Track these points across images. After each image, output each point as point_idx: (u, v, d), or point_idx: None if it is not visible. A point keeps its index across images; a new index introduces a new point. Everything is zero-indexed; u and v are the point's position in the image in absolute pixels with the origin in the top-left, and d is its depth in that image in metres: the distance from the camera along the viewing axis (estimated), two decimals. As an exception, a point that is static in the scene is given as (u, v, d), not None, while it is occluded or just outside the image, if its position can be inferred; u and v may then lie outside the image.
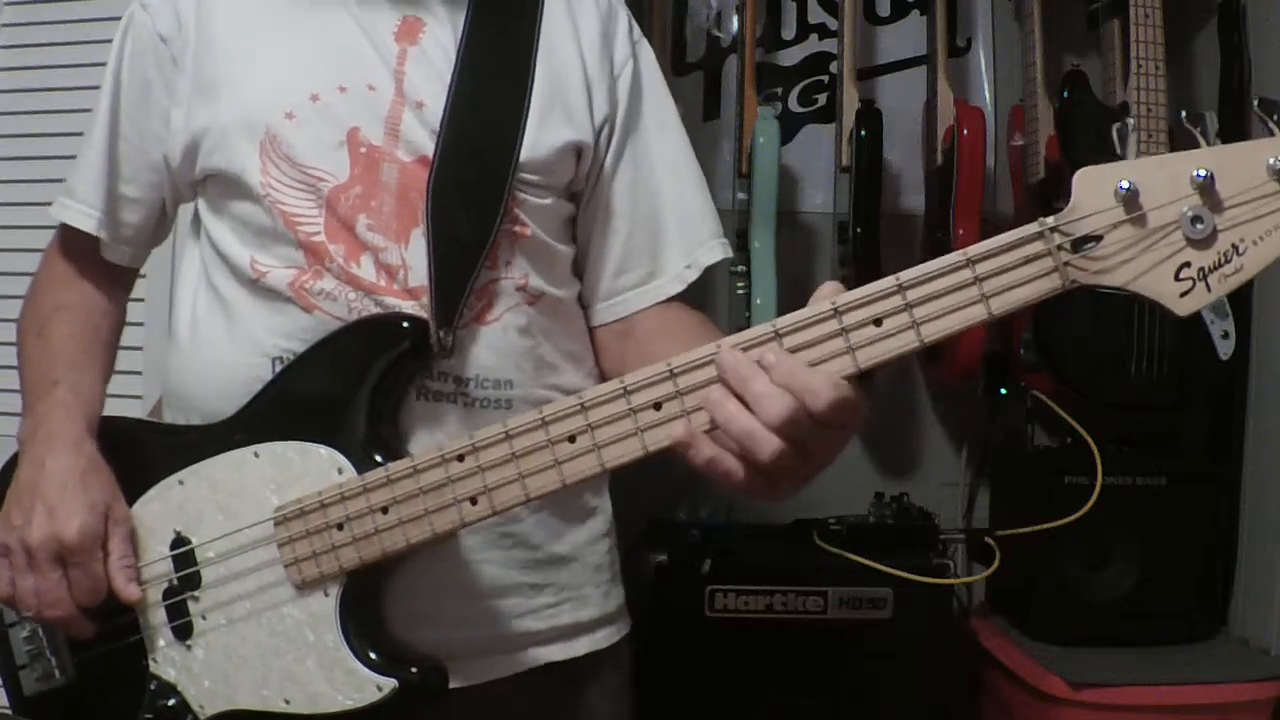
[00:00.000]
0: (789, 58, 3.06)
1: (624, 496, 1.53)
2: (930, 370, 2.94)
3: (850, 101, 2.78)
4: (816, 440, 0.98)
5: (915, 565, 2.51)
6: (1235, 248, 0.91)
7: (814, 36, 3.05)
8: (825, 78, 3.04)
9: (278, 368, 1.27)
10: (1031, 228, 0.94)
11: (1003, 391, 2.82)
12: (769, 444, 0.96)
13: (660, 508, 2.76)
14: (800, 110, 3.04)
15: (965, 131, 2.69)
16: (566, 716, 1.39)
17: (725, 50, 3.03)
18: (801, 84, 3.05)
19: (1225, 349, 2.54)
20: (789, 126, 2.97)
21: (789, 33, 3.05)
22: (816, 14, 3.05)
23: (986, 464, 3.02)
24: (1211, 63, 2.77)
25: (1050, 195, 2.58)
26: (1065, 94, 2.63)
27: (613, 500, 1.48)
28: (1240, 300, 2.58)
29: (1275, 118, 0.94)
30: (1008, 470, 2.90)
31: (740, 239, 2.73)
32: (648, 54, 1.46)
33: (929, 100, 2.82)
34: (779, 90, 3.04)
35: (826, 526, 2.62)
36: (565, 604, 1.38)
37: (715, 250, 1.43)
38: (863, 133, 2.72)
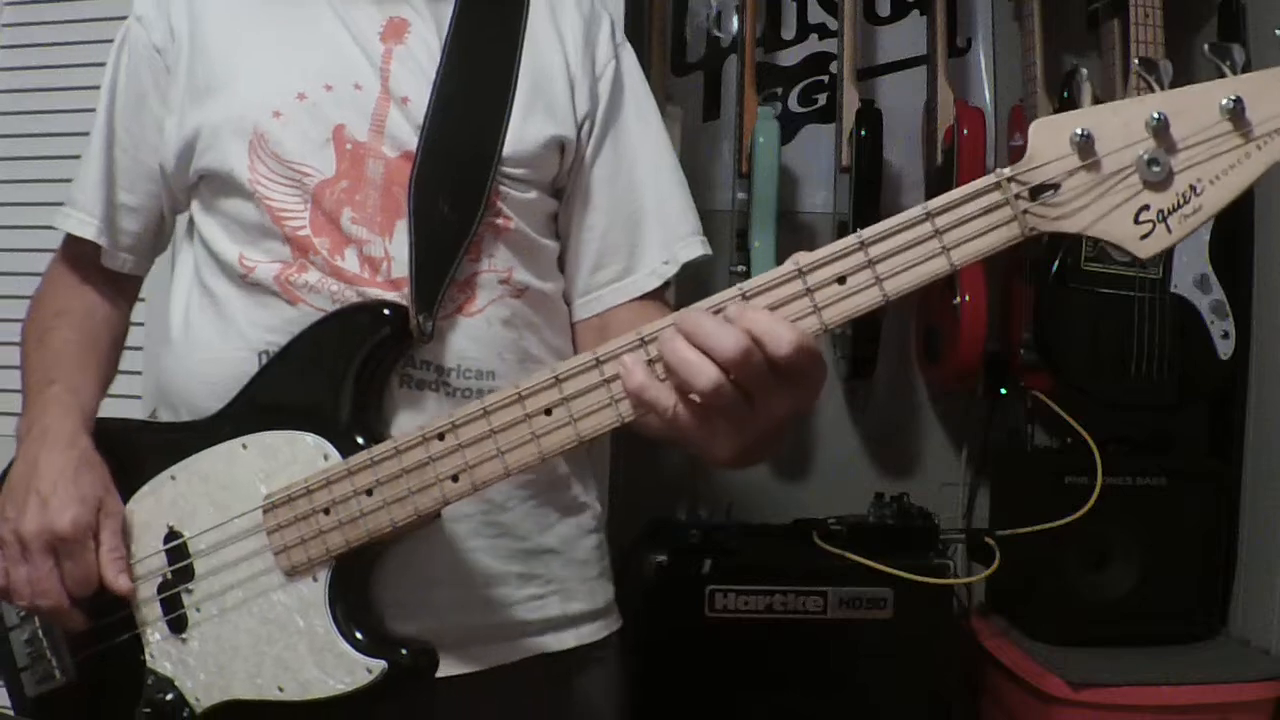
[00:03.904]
0: (789, 58, 3.06)
1: (624, 496, 1.53)
2: (930, 370, 2.94)
3: (850, 101, 2.79)
4: (767, 391, 0.97)
5: (915, 565, 2.50)
6: (1193, 188, 0.91)
7: (814, 36, 3.05)
8: (825, 78, 3.04)
9: (264, 361, 1.29)
10: (989, 178, 0.95)
11: (1003, 391, 2.82)
12: (705, 373, 0.94)
13: (660, 508, 2.76)
14: (800, 110, 3.05)
15: (965, 131, 2.69)
16: (555, 707, 1.40)
17: (725, 50, 3.03)
18: (801, 84, 3.05)
19: (1225, 349, 2.54)
20: (789, 126, 2.98)
21: (789, 33, 3.06)
22: (816, 14, 3.05)
23: (986, 464, 3.02)
24: (1212, 62, 2.77)
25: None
26: (1065, 94, 2.63)
27: (612, 500, 1.49)
28: (1240, 300, 2.58)
29: (1227, 61, 0.94)
30: (1008, 470, 2.90)
31: (740, 239, 2.74)
32: (630, 56, 1.49)
33: (929, 100, 2.83)
34: (779, 90, 3.04)
35: (826, 526, 2.62)
36: (552, 596, 1.39)
37: (695, 247, 1.44)
38: (863, 133, 2.72)
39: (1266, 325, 2.64)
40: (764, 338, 0.94)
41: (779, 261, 2.90)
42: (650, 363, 1.00)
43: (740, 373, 0.95)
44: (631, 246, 1.42)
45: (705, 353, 0.95)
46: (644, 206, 1.43)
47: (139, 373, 2.30)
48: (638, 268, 1.42)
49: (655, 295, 1.43)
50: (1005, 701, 2.59)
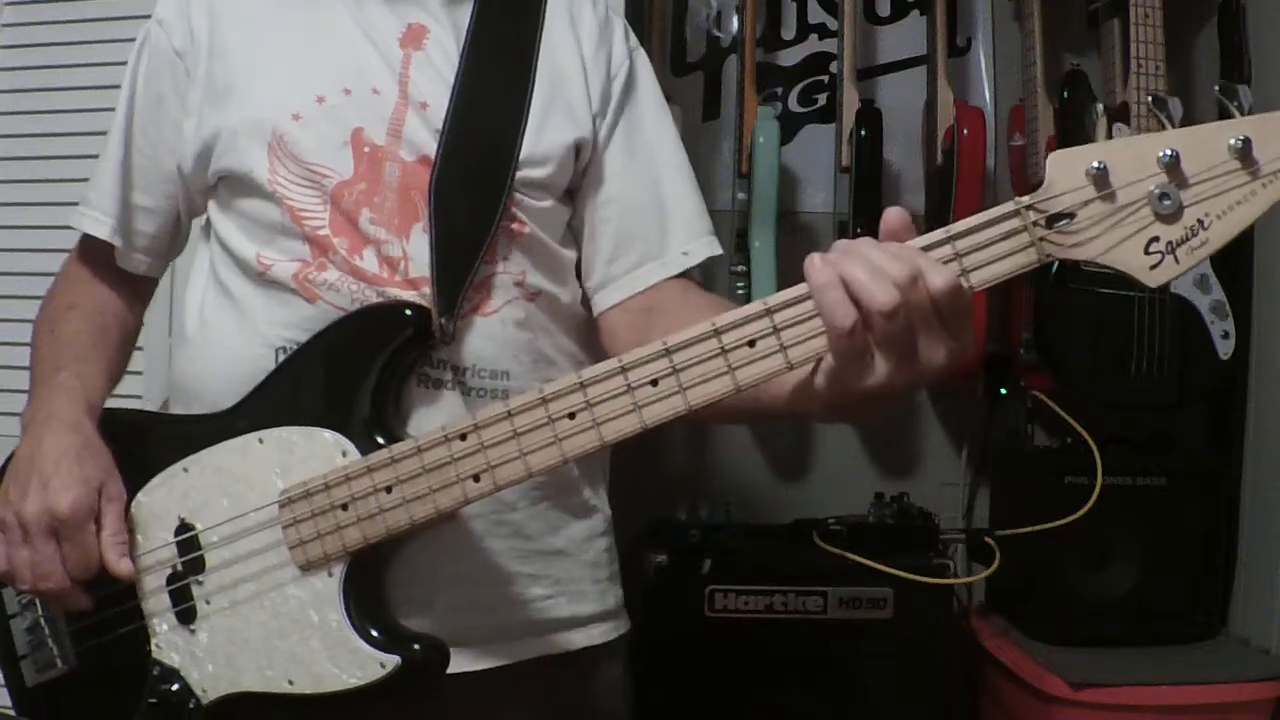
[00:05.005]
0: (789, 58, 3.06)
1: (624, 496, 1.54)
2: (930, 370, 2.93)
3: (850, 101, 2.79)
4: (929, 328, 0.97)
5: (915, 565, 2.50)
6: (1201, 222, 0.96)
7: (814, 36, 3.05)
8: (825, 78, 3.04)
9: (281, 358, 1.30)
10: (1007, 206, 0.99)
11: (1003, 391, 2.82)
12: (887, 290, 0.95)
13: (660, 508, 2.76)
14: (800, 110, 3.04)
15: (965, 131, 2.70)
16: (563, 708, 1.40)
17: (725, 50, 3.03)
18: (801, 84, 3.05)
19: (1225, 349, 2.55)
20: (789, 126, 2.97)
21: (789, 33, 3.05)
22: (816, 14, 3.05)
23: (986, 464, 3.01)
24: (1211, 63, 2.77)
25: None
26: (1065, 94, 2.63)
27: (613, 500, 1.49)
28: (1240, 300, 2.58)
29: (1235, 102, 0.98)
30: (1008, 470, 2.90)
31: (740, 239, 2.74)
32: (644, 60, 1.51)
33: (929, 100, 2.83)
34: (779, 90, 3.04)
35: (826, 526, 2.61)
36: (560, 597, 1.39)
37: (713, 245, 1.46)
38: (863, 133, 2.73)
39: (1266, 325, 2.64)
40: (926, 271, 0.96)
41: (779, 261, 2.88)
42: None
43: (910, 297, 0.95)
44: (655, 231, 1.42)
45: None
46: (664, 195, 1.44)
47: (139, 373, 2.30)
48: (666, 251, 1.42)
49: (687, 277, 1.43)
50: (1005, 701, 2.58)
